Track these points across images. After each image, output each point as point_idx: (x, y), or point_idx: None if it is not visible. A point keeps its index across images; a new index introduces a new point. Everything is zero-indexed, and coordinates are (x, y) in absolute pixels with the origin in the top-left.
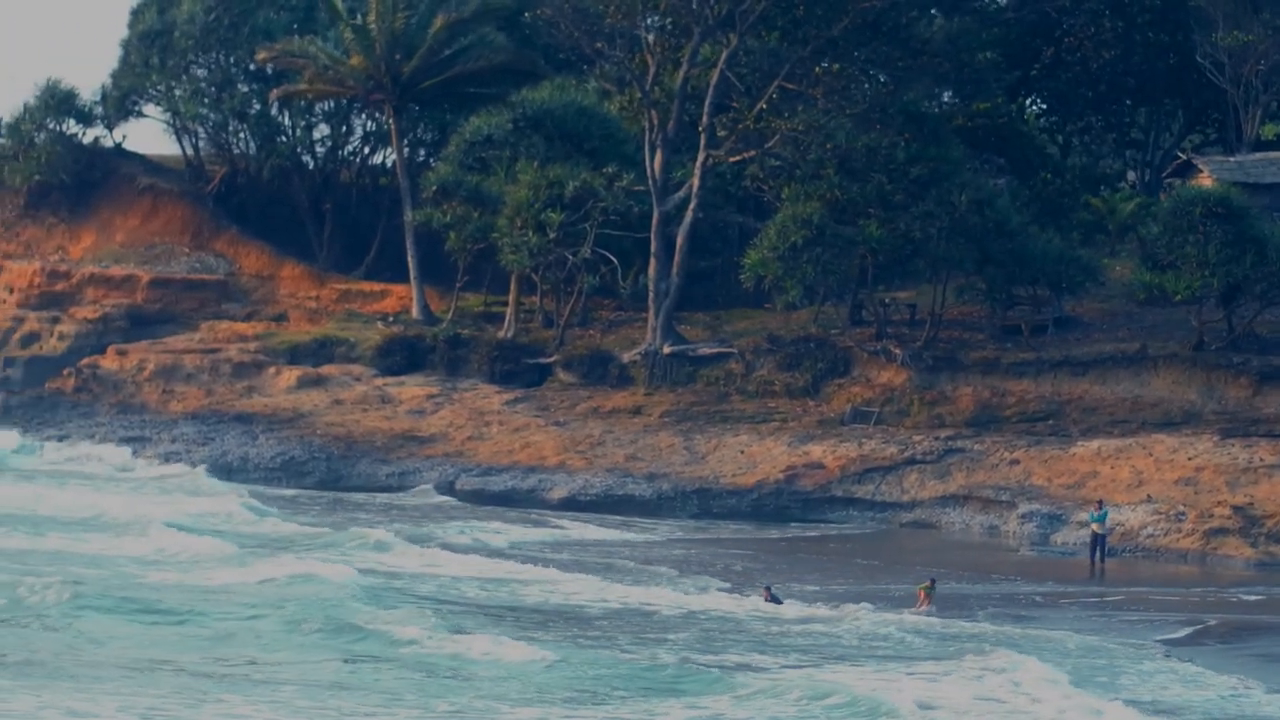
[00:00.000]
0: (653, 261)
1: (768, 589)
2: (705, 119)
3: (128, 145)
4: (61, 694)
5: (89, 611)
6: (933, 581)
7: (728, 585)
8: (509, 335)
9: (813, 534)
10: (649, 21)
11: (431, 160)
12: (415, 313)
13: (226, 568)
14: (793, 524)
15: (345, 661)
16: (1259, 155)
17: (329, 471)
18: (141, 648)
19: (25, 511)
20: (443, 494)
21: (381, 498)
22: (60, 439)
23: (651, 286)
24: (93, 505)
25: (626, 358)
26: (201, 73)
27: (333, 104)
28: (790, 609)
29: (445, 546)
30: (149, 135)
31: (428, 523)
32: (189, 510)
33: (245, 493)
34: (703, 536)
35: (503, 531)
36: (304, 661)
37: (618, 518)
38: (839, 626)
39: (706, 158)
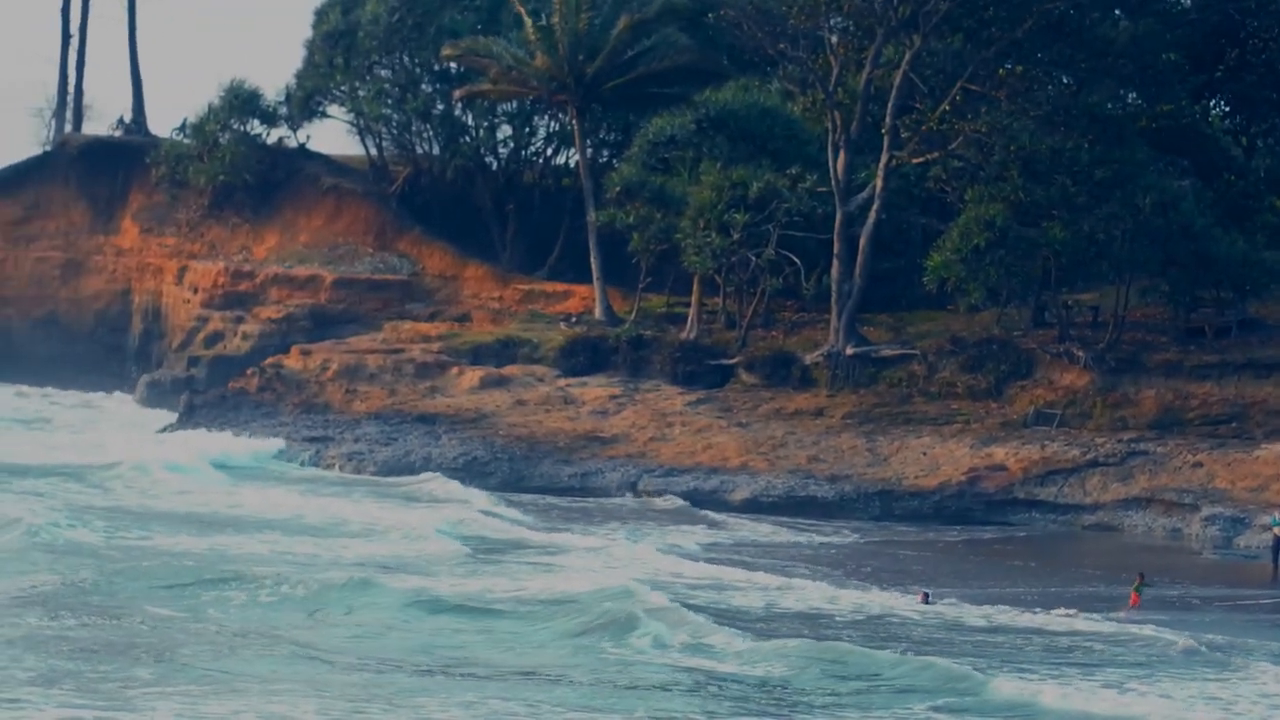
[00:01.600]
0: (835, 263)
1: (924, 593)
2: (889, 120)
3: (311, 145)
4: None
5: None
6: (1142, 577)
7: (943, 589)
8: (692, 336)
9: (995, 536)
10: (832, 23)
11: (614, 161)
12: (598, 313)
13: (499, 575)
14: (974, 526)
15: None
16: None
17: (511, 472)
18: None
19: (286, 516)
20: (624, 495)
21: (595, 501)
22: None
23: (834, 288)
24: (363, 515)
25: (809, 359)
26: (385, 73)
27: (516, 104)
28: (1000, 614)
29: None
30: (332, 135)
31: (647, 525)
32: (448, 517)
33: (485, 499)
34: (894, 539)
35: (689, 533)
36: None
37: (802, 519)
38: (1051, 632)
39: (890, 159)
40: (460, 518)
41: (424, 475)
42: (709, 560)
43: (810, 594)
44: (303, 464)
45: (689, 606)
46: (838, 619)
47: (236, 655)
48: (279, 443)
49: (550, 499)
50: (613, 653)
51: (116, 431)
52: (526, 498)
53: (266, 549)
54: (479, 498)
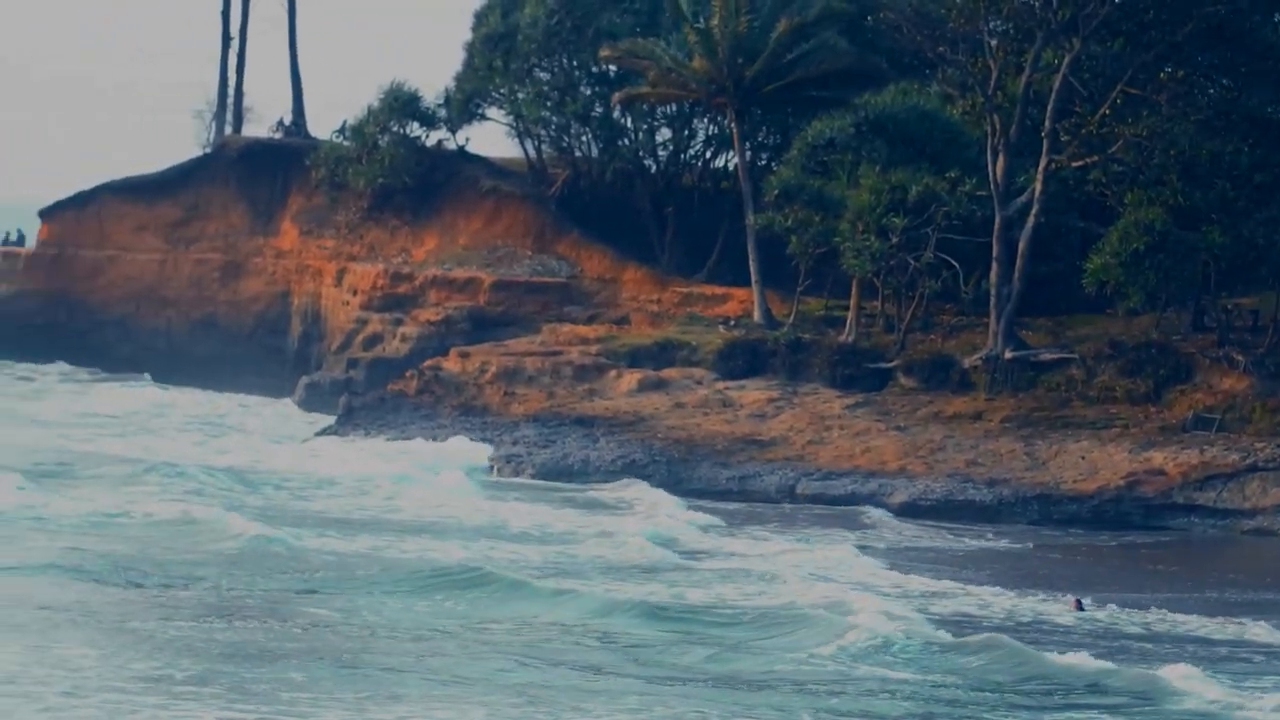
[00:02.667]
0: (994, 266)
1: (1077, 600)
2: (1048, 124)
3: (470, 148)
4: None
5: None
6: None
7: (1098, 595)
8: (850, 339)
9: (1152, 541)
10: (991, 26)
11: (773, 164)
12: (757, 316)
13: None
14: (1132, 531)
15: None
16: None
17: (669, 474)
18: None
19: (488, 523)
20: (783, 499)
21: (756, 505)
22: (404, 440)
23: (993, 291)
24: (564, 520)
25: (968, 363)
26: (544, 76)
27: (675, 107)
28: (1158, 621)
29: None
30: (491, 138)
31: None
32: (649, 522)
33: (684, 506)
34: (1050, 543)
35: (848, 537)
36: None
37: (959, 524)
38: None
39: (1049, 163)
40: (657, 522)
41: (624, 480)
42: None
43: (962, 599)
44: (500, 473)
45: (891, 616)
46: (985, 625)
47: (483, 662)
48: (485, 449)
49: (710, 502)
50: (838, 664)
51: (279, 434)
52: (699, 503)
53: (501, 555)
54: (666, 501)
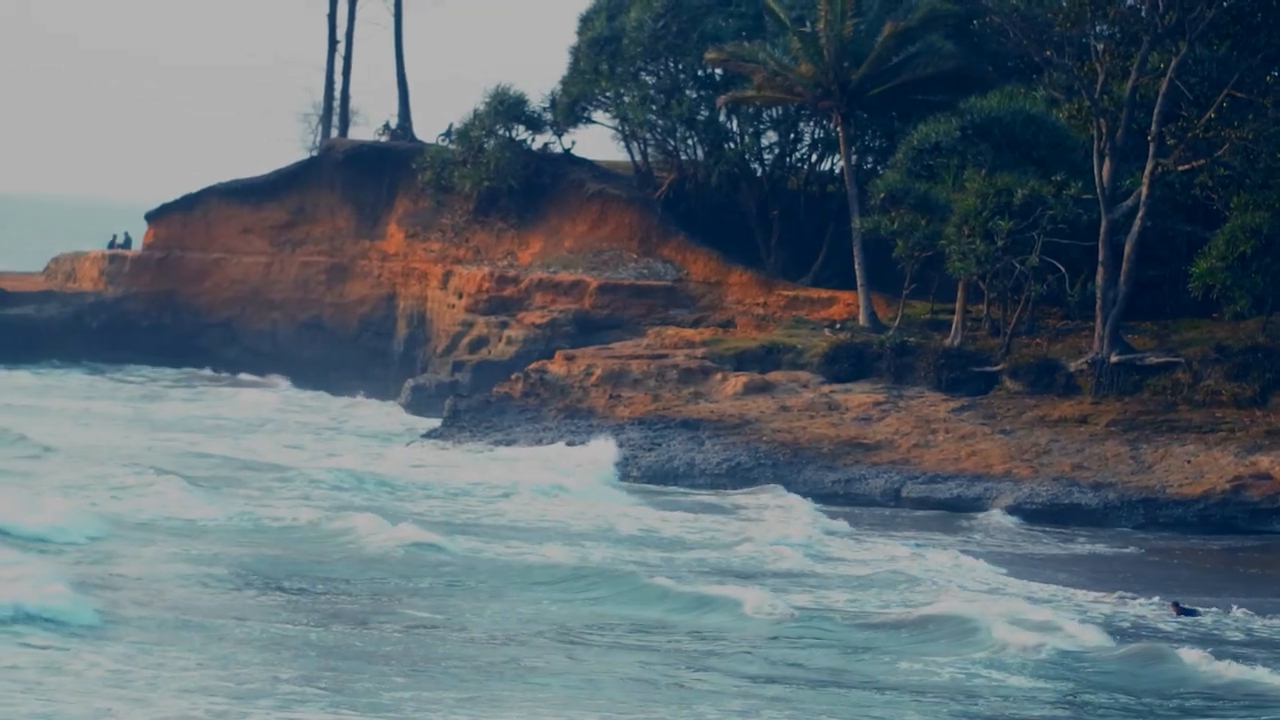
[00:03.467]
0: (1100, 270)
1: (1175, 604)
2: (1154, 128)
3: (576, 151)
4: None
5: None
6: None
7: (1200, 599)
8: (955, 343)
9: (1258, 545)
10: (1097, 30)
11: (879, 167)
12: (862, 320)
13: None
14: (1238, 535)
15: None
16: None
17: (775, 477)
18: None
19: (638, 531)
20: (890, 502)
21: (862, 509)
22: (508, 444)
23: (1099, 295)
24: (709, 526)
25: (1073, 366)
26: (650, 79)
27: (780, 110)
28: (1262, 627)
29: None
30: (596, 141)
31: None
32: (792, 528)
33: (815, 510)
34: (1155, 547)
35: (953, 541)
36: None
37: (1065, 527)
38: None
39: (1155, 166)
40: (792, 528)
41: (764, 486)
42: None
43: (1062, 603)
44: (634, 478)
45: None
46: (1126, 632)
47: (641, 665)
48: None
49: (818, 505)
50: (983, 671)
51: (389, 435)
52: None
53: (649, 558)
54: (799, 505)
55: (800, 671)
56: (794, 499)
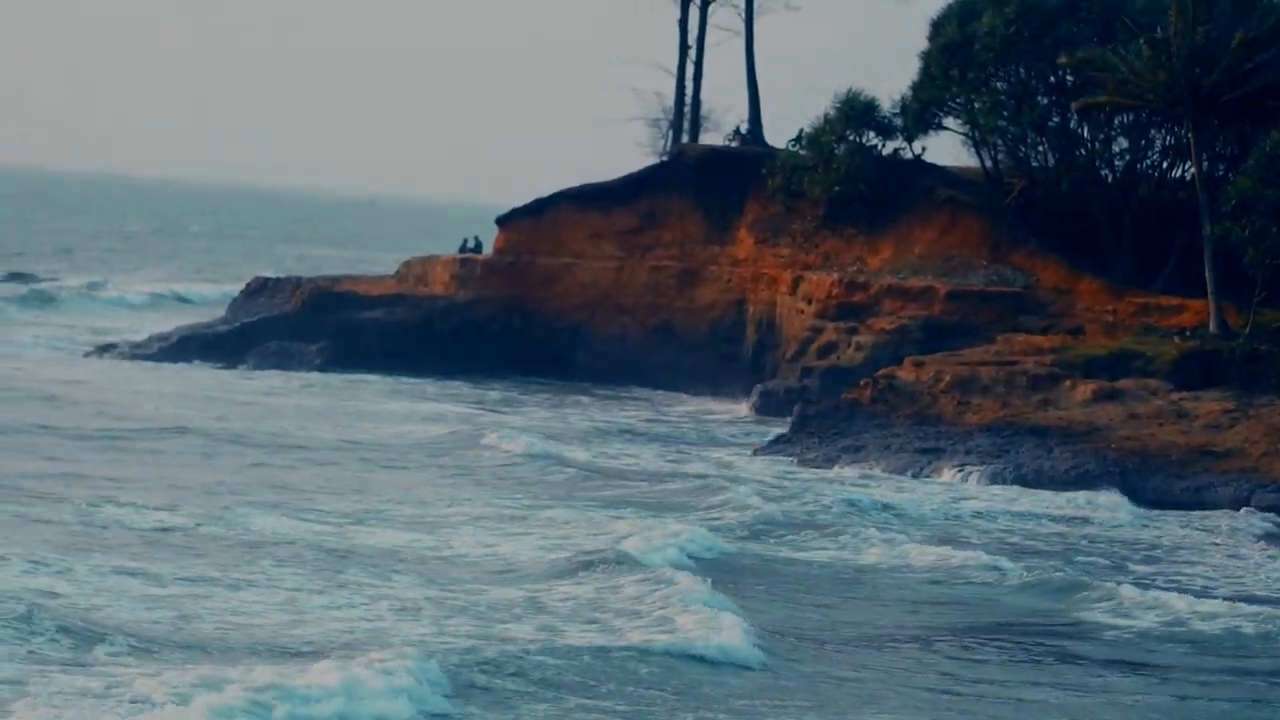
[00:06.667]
0: None
1: None
2: None
3: (924, 157)
4: None
5: None
6: None
7: None
8: None
9: None
10: None
11: (1230, 174)
12: (1212, 327)
13: None
14: None
15: None
16: None
17: (1122, 485)
18: None
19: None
20: (1240, 511)
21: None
22: (856, 450)
23: None
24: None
25: None
26: (1001, 85)
27: (1131, 117)
28: None
29: None
30: (943, 147)
31: None
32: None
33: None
34: None
35: None
36: None
37: None
38: None
39: None
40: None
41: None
42: None
43: None
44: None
45: None
46: None
47: None
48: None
49: (1161, 512)
50: None
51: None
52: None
53: None
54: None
55: None
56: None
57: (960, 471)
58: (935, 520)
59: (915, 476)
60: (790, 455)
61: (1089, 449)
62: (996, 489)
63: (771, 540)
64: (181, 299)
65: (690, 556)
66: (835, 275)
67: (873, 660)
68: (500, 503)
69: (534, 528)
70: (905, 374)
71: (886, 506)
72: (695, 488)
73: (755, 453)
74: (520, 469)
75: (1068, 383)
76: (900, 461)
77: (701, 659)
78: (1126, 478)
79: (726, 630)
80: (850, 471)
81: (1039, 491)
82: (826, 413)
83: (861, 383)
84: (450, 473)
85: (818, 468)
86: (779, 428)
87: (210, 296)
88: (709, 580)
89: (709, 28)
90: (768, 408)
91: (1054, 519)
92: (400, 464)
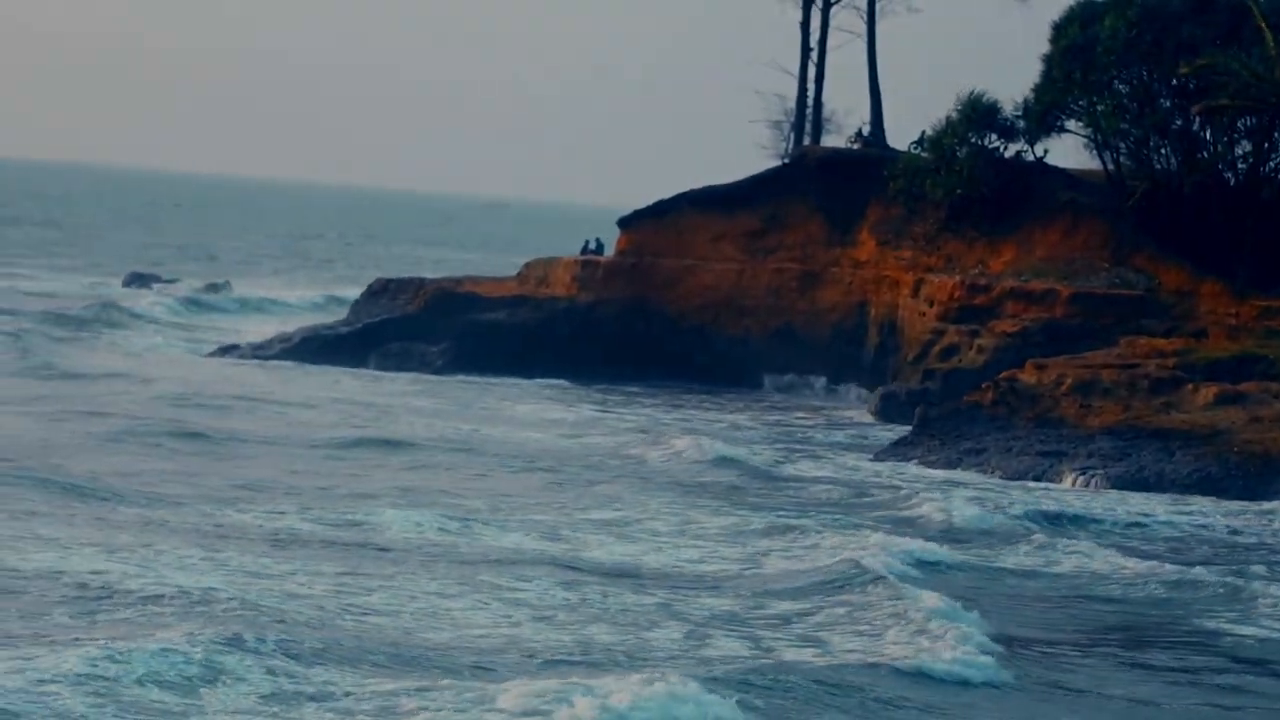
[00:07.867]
0: None
1: None
2: None
3: (1047, 160)
4: None
5: None
6: None
7: None
8: None
9: None
10: None
11: None
12: None
13: None
14: None
15: None
16: None
17: (1244, 489)
18: None
19: None
20: None
21: None
22: (978, 453)
23: None
24: None
25: None
26: (1123, 88)
27: (1254, 120)
28: None
29: None
30: (1066, 150)
31: None
32: None
33: None
34: None
35: None
36: None
37: None
38: None
39: None
40: None
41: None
42: None
43: None
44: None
45: None
46: None
47: None
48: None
49: None
50: None
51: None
52: None
53: None
54: None
55: None
56: None
57: (1082, 475)
58: (1126, 529)
59: (1037, 480)
60: (912, 458)
61: (1211, 452)
62: (1166, 498)
63: (974, 549)
64: (332, 299)
65: (917, 567)
66: (957, 278)
67: (1117, 676)
68: (714, 518)
69: (760, 539)
70: (1027, 376)
71: (1075, 517)
72: (886, 499)
73: (876, 456)
74: (705, 474)
75: (1190, 386)
76: (1022, 464)
77: (965, 683)
78: (1248, 482)
79: (977, 648)
80: (971, 475)
81: (1225, 502)
82: (948, 415)
83: (983, 385)
84: (656, 485)
85: (940, 469)
86: (901, 431)
87: (346, 298)
88: (949, 596)
89: (831, 30)
90: (889, 410)
91: (1231, 530)
92: (597, 471)
